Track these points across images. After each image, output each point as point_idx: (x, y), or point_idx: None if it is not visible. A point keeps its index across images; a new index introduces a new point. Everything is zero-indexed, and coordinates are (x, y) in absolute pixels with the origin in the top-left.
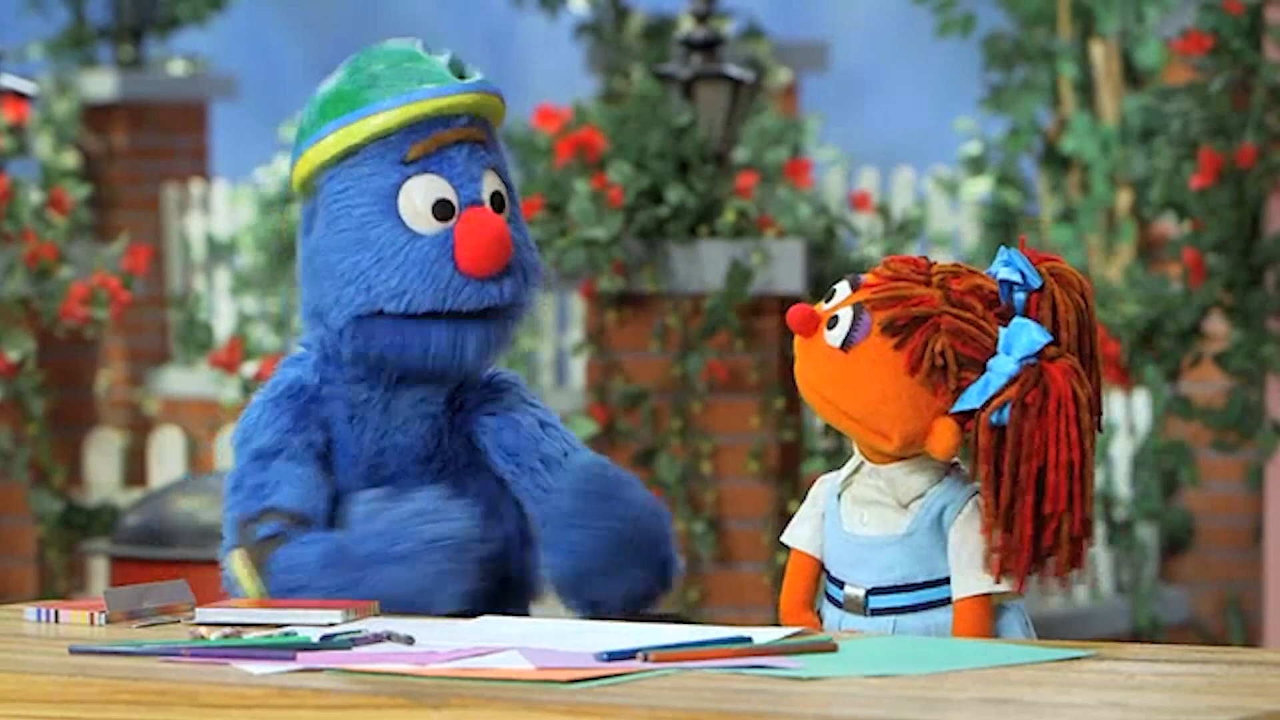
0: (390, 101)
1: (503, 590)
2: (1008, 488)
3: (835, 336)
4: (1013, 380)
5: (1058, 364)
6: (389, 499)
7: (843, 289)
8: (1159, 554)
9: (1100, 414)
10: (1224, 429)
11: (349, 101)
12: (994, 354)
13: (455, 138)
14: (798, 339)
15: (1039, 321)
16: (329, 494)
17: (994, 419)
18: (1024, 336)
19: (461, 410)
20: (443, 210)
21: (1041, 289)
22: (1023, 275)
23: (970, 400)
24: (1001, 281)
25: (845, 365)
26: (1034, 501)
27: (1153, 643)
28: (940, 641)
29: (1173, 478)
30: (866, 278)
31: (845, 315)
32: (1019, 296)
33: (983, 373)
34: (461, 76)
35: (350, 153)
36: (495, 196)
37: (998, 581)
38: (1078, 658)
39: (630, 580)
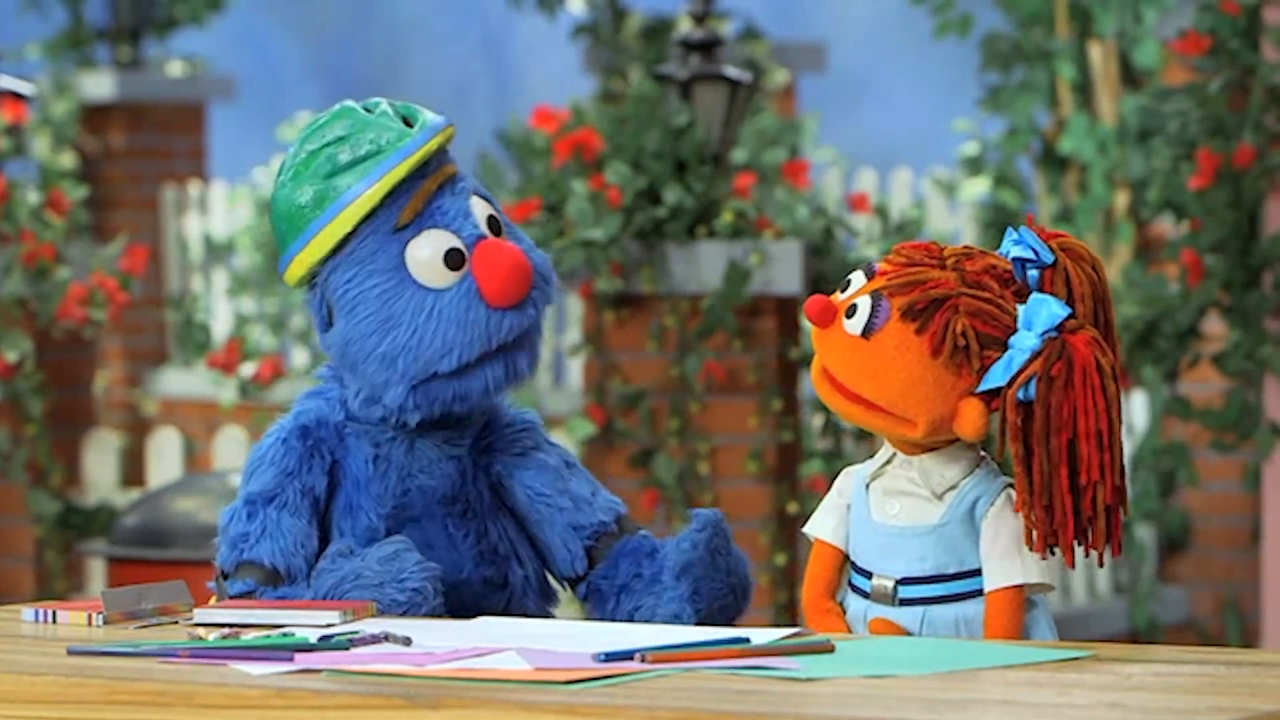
0: (364, 183)
1: None
2: (1040, 463)
3: (855, 325)
4: (1036, 355)
5: (1079, 335)
6: (351, 552)
7: (858, 278)
8: (1157, 554)
9: (1120, 384)
10: (1222, 429)
11: (322, 195)
12: (1014, 331)
13: (436, 185)
14: (815, 331)
15: (1055, 296)
16: (314, 549)
17: (1021, 395)
18: (1043, 311)
19: (486, 452)
20: (454, 259)
21: (1054, 264)
22: (1035, 252)
23: (995, 378)
24: (1014, 260)
25: (868, 353)
26: (1068, 474)
27: (1151, 643)
28: (938, 642)
29: (1171, 478)
30: (880, 265)
31: (864, 303)
32: (1032, 273)
33: (1005, 351)
34: (405, 119)
35: (343, 242)
36: (491, 221)
37: (1043, 558)
38: (1076, 658)
39: (722, 622)
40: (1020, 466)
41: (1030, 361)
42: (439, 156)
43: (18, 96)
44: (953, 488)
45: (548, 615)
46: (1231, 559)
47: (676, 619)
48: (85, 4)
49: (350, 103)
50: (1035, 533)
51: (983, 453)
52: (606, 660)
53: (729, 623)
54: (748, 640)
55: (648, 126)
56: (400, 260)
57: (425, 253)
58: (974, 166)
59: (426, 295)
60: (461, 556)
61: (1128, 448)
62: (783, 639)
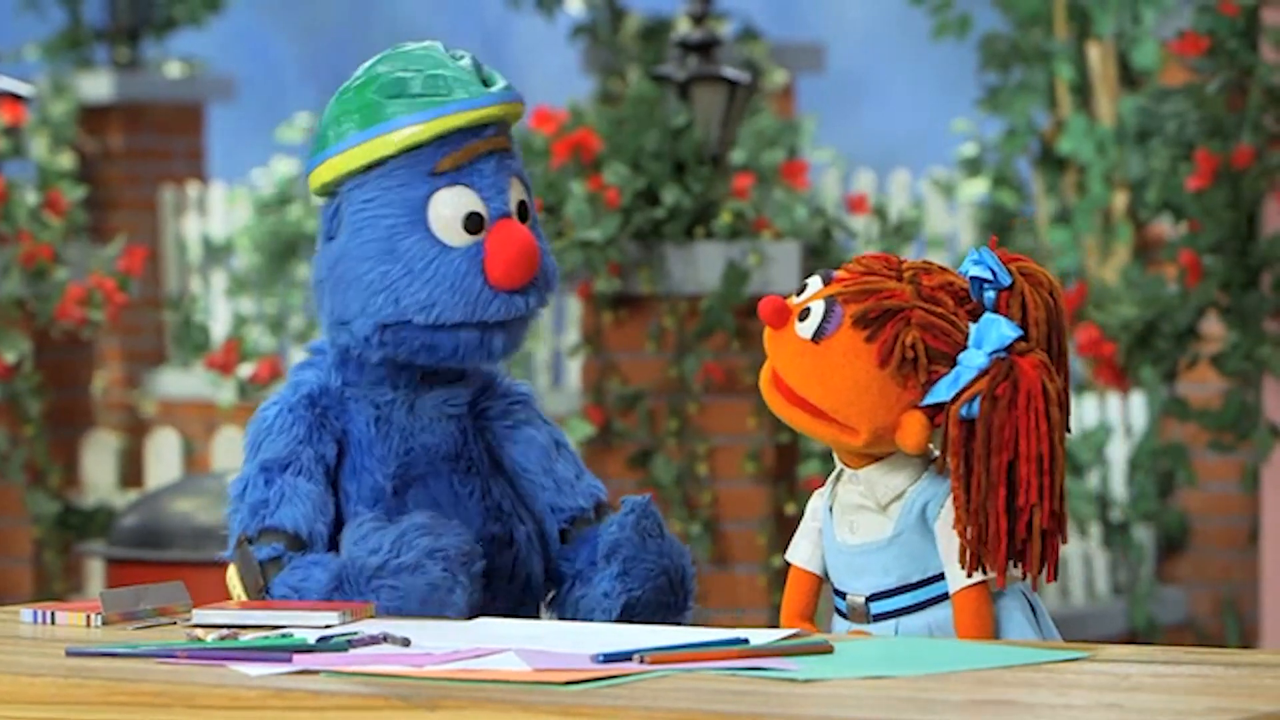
0: (421, 115)
1: (521, 591)
2: (979, 482)
3: (806, 328)
4: (982, 373)
5: (1027, 358)
6: (386, 519)
7: (814, 283)
8: (1155, 555)
9: (1068, 412)
10: (1220, 430)
11: (377, 112)
12: (964, 348)
13: (486, 148)
14: (768, 332)
15: (1009, 318)
16: (332, 514)
17: (964, 412)
18: (994, 331)
19: (481, 417)
20: (473, 223)
21: (1011, 287)
22: (993, 273)
23: (940, 393)
24: (972, 279)
25: (816, 357)
26: (1006, 495)
27: (1149, 644)
28: (937, 643)
29: (1169, 479)
30: (838, 273)
31: (817, 308)
32: (989, 294)
33: (953, 366)
34: (484, 81)
35: (378, 163)
36: (520, 206)
37: (969, 576)
38: (1074, 659)
39: (661, 615)
40: (959, 483)
41: (976, 379)
42: (500, 125)
43: (16, 97)
44: (898, 497)
45: (548, 575)
46: (1230, 559)
47: (606, 598)
48: (83, 5)
49: (439, 45)
50: (968, 550)
51: (936, 454)
52: (605, 661)
53: (672, 618)
54: (746, 641)
55: (646, 127)
56: (423, 203)
57: (448, 206)
58: (972, 167)
59: (433, 246)
60: (470, 513)
61: (1127, 448)
62: (781, 640)
